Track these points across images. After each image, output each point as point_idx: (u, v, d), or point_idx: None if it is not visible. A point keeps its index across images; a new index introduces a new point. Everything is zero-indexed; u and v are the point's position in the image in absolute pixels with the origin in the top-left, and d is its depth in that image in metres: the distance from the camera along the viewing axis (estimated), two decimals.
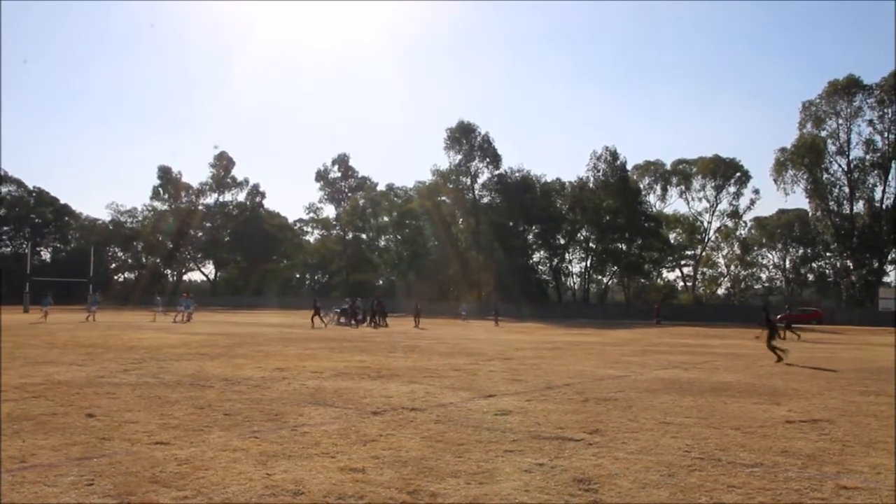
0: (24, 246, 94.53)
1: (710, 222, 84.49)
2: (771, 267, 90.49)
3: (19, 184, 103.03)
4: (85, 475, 5.90)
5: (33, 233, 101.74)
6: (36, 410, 9.17)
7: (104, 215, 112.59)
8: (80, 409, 9.28)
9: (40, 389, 11.20)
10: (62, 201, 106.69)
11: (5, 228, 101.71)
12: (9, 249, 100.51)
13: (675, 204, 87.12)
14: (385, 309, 41.42)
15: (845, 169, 69.02)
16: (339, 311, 44.47)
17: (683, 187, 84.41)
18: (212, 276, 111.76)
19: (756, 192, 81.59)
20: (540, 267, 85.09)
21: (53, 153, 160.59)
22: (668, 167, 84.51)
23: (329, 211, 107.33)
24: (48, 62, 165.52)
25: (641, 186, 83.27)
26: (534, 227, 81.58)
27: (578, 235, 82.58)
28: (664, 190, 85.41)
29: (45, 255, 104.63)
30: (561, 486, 5.79)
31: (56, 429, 7.93)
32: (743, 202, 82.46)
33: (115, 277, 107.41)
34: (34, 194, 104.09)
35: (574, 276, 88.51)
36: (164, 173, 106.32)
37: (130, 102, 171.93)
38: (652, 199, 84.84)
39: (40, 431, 7.77)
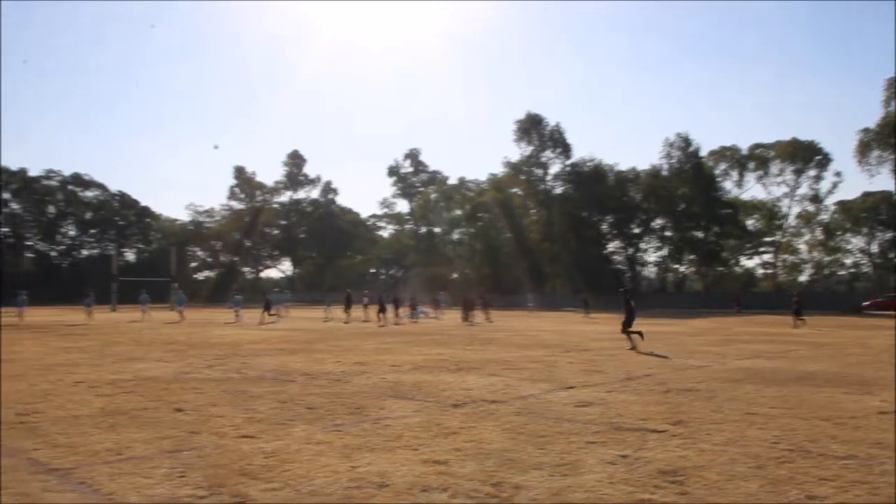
0: (110, 247, 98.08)
1: (789, 207, 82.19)
2: (856, 252, 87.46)
3: (103, 188, 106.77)
4: (177, 467, 6.07)
5: (118, 234, 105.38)
6: (128, 405, 9.48)
7: (183, 216, 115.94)
8: (169, 404, 9.55)
9: (131, 385, 11.58)
10: (143, 203, 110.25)
11: (92, 231, 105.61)
12: (96, 251, 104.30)
13: (752, 190, 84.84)
14: (474, 303, 40.45)
15: None
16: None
17: (761, 172, 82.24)
18: (289, 273, 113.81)
19: (838, 174, 78.85)
20: (615, 257, 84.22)
21: (133, 157, 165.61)
22: (745, 152, 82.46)
23: (402, 206, 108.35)
24: (127, 70, 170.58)
25: (717, 172, 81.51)
26: (608, 217, 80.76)
27: (653, 224, 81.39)
28: (741, 175, 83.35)
29: (130, 255, 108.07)
30: (646, 478, 5.72)
31: (148, 423, 8.19)
32: (824, 186, 79.82)
33: (195, 276, 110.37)
34: (118, 198, 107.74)
35: (650, 266, 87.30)
36: (240, 173, 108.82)
37: (202, 104, 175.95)
38: (728, 185, 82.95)
39: (133, 425, 8.03)
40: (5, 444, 7.12)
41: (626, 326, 19.44)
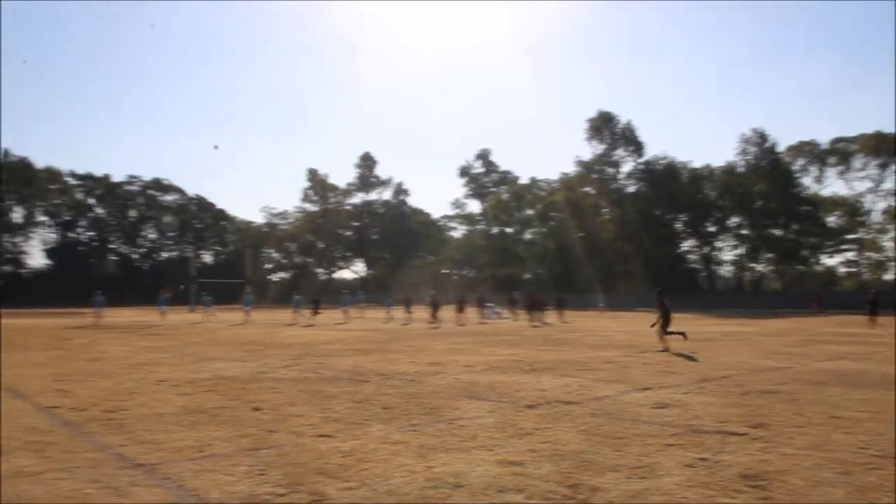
0: (188, 249, 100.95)
1: (874, 203, 79.21)
2: None
3: (181, 192, 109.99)
4: (256, 465, 6.19)
5: (195, 237, 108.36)
6: (208, 404, 9.72)
7: (258, 218, 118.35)
8: (247, 403, 9.75)
9: (210, 384, 11.88)
10: (218, 206, 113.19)
11: (171, 234, 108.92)
12: (175, 253, 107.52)
13: (833, 185, 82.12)
14: (544, 303, 39.92)
15: None
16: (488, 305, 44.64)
17: (843, 167, 79.53)
18: (361, 274, 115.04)
19: None
20: (689, 256, 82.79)
21: (207, 161, 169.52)
22: (825, 146, 79.93)
23: (473, 206, 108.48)
24: (195, 73, 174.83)
25: (795, 168, 79.22)
26: (682, 216, 79.44)
27: (729, 222, 79.69)
28: (821, 171, 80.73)
29: (207, 257, 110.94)
30: (726, 482, 5.60)
31: (227, 421, 8.37)
32: None
33: (270, 277, 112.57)
34: (195, 201, 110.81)
35: (726, 265, 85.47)
36: (313, 175, 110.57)
37: (274, 106, 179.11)
38: (807, 181, 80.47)
39: (213, 423, 8.23)
40: (96, 439, 7.39)
41: (663, 328, 19.07)
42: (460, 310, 36.83)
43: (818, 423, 8.17)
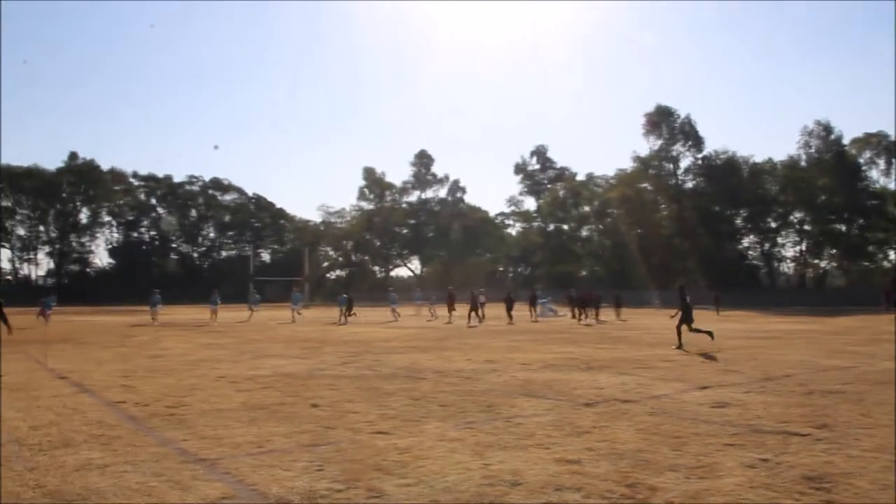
0: (247, 248, 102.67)
1: None
2: None
3: (240, 192, 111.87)
4: (315, 461, 6.26)
5: (254, 236, 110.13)
6: (267, 400, 9.85)
7: (315, 217, 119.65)
8: (306, 400, 9.86)
9: (269, 381, 12.04)
10: (277, 206, 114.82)
11: (230, 233, 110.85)
12: (234, 252, 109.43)
13: None
14: (598, 301, 39.36)
15: None
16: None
17: None
18: (417, 271, 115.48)
19: None
20: (750, 252, 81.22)
21: (266, 161, 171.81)
22: (894, 138, 77.45)
23: (529, 203, 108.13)
24: (254, 72, 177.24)
25: (861, 161, 77.01)
26: (742, 211, 77.96)
27: (791, 217, 77.93)
28: (889, 164, 78.43)
29: (266, 256, 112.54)
30: (789, 484, 5.47)
31: (286, 417, 8.48)
32: None
33: (327, 275, 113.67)
34: (254, 201, 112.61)
35: (788, 262, 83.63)
36: (369, 174, 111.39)
37: (329, 106, 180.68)
38: (875, 174, 78.20)
39: (272, 419, 8.34)
40: (159, 433, 7.57)
41: (681, 323, 18.68)
42: (509, 308, 36.53)
43: (885, 424, 7.93)
